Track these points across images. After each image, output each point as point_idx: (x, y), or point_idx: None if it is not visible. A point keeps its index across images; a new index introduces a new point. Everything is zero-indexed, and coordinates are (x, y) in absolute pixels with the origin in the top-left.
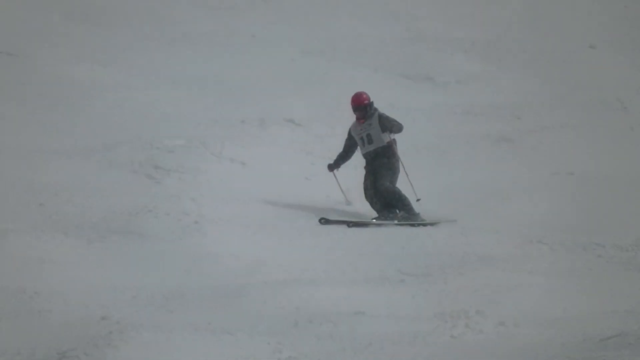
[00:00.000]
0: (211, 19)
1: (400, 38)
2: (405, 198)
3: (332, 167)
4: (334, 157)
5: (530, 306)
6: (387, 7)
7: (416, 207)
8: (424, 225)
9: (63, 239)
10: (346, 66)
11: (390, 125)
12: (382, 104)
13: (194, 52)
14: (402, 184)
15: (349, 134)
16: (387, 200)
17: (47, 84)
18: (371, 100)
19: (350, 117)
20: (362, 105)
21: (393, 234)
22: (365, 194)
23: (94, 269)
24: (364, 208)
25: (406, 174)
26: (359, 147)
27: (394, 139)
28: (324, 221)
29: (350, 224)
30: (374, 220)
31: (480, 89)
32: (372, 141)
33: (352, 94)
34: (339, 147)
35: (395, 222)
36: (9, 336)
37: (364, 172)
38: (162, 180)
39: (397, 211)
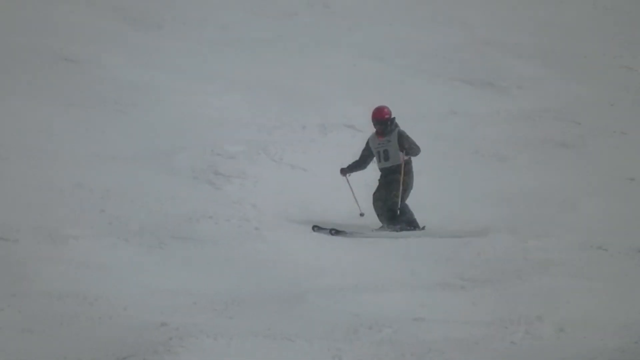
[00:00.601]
0: (271, 25)
1: (460, 43)
2: (412, 214)
3: (344, 172)
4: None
5: (590, 312)
6: (447, 12)
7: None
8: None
9: (124, 244)
10: (406, 72)
11: (407, 146)
12: (442, 110)
13: (254, 58)
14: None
15: (367, 144)
16: (394, 215)
17: (108, 90)
18: (393, 116)
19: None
20: (383, 120)
21: (451, 240)
22: (375, 204)
23: (154, 275)
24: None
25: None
26: (375, 159)
27: (408, 158)
28: (317, 229)
29: (333, 232)
30: (373, 231)
31: (541, 94)
32: (389, 158)
33: (374, 107)
34: None
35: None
36: (70, 342)
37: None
38: (223, 186)
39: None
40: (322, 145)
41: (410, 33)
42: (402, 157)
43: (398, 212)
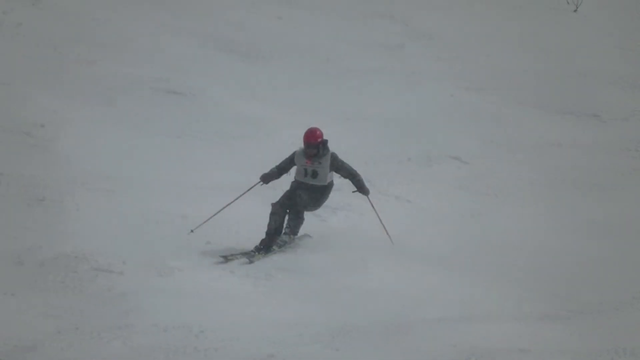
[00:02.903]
0: (373, 56)
1: (563, 74)
2: (301, 221)
3: (266, 179)
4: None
5: None
6: (548, 42)
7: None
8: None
9: (229, 276)
10: (505, 102)
11: (346, 173)
12: (543, 141)
13: (359, 90)
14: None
15: (292, 158)
16: (291, 214)
17: (212, 121)
18: (325, 139)
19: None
20: (315, 144)
21: (554, 270)
22: (279, 205)
23: (260, 306)
24: None
25: (377, 214)
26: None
27: (331, 181)
28: (224, 259)
29: (227, 258)
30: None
31: None
32: (317, 177)
33: (307, 129)
34: (501, 184)
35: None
36: None
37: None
38: (328, 218)
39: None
40: (427, 177)
41: (510, 64)
42: (332, 177)
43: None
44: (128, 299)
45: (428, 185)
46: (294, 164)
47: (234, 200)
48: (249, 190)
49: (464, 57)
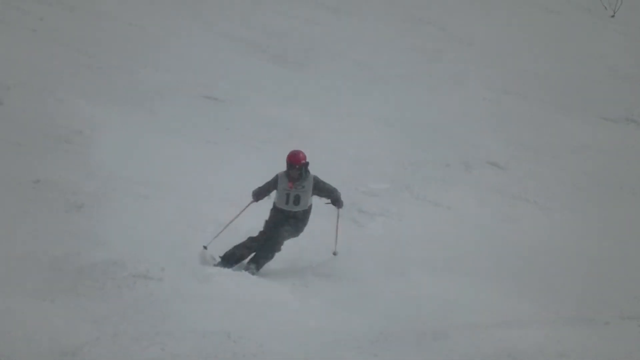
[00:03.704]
0: (410, 61)
1: (600, 79)
2: (274, 254)
3: (257, 197)
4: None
5: None
6: (586, 47)
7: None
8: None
9: (267, 282)
10: (547, 107)
11: (331, 196)
12: (580, 145)
13: (396, 95)
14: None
15: (276, 180)
16: (265, 247)
17: (249, 126)
18: (307, 161)
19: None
20: (298, 165)
21: (592, 274)
22: (255, 239)
23: (298, 312)
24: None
25: (336, 231)
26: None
27: (311, 204)
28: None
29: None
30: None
31: None
32: (299, 203)
33: (290, 152)
34: (539, 189)
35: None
36: None
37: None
38: (366, 224)
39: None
40: (465, 183)
41: (548, 68)
42: (312, 201)
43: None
44: (166, 305)
45: (467, 191)
46: (276, 188)
47: (236, 217)
48: (245, 208)
49: (503, 62)
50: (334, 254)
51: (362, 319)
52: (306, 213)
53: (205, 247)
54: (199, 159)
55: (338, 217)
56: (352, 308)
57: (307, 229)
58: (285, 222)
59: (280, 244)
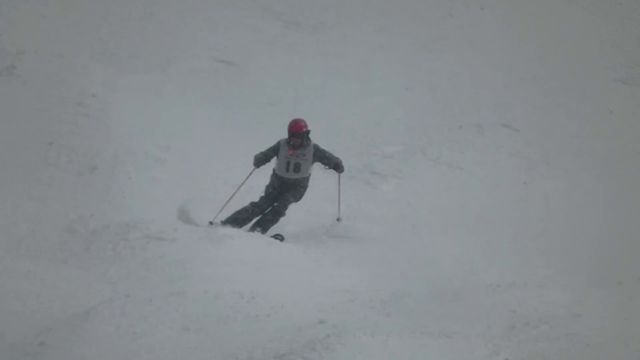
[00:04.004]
0: (426, 26)
1: (620, 38)
2: (279, 217)
3: (258, 164)
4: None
5: None
6: (604, 7)
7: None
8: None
9: (279, 244)
10: (562, 71)
11: (330, 162)
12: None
13: (410, 59)
14: (333, 210)
15: (277, 146)
16: (271, 212)
17: (265, 91)
18: (308, 129)
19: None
20: (301, 133)
21: (606, 238)
22: (256, 207)
23: (311, 273)
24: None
25: (338, 197)
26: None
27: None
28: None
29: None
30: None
31: None
32: (299, 171)
33: (292, 120)
34: (554, 150)
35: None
36: (227, 340)
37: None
38: (379, 185)
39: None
40: (478, 145)
41: (567, 33)
42: (311, 169)
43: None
44: (179, 266)
45: (480, 153)
46: (277, 154)
47: (239, 187)
48: (248, 177)
49: (519, 25)
50: (338, 220)
51: (376, 279)
52: (305, 180)
53: (211, 223)
54: (212, 121)
55: (339, 183)
56: (366, 268)
57: (312, 194)
58: (286, 190)
59: (285, 208)
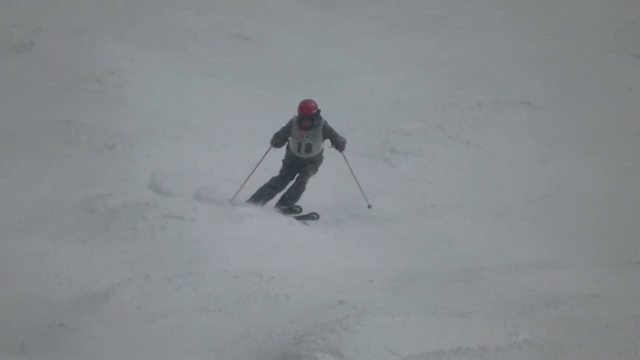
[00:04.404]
0: (444, 2)
1: (636, 18)
2: (301, 192)
3: (275, 144)
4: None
5: None
6: None
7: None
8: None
9: (299, 223)
10: (581, 47)
11: (334, 141)
12: (616, 85)
13: (428, 35)
14: (353, 190)
15: (290, 126)
16: (293, 187)
17: (283, 68)
18: (318, 109)
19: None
20: (310, 115)
21: (623, 218)
22: (276, 182)
23: (330, 253)
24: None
25: (356, 181)
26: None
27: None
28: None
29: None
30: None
31: None
32: (311, 150)
33: (301, 102)
34: (574, 128)
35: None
36: (246, 320)
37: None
38: (399, 164)
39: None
40: (497, 122)
41: (585, 8)
42: (323, 145)
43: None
44: (199, 245)
45: (498, 130)
46: (290, 133)
47: (257, 165)
48: (264, 156)
49: (539, 2)
50: (369, 207)
51: (395, 259)
52: (319, 156)
53: (231, 202)
54: (230, 99)
55: (349, 165)
56: (385, 248)
57: (328, 173)
58: (302, 167)
59: (305, 182)
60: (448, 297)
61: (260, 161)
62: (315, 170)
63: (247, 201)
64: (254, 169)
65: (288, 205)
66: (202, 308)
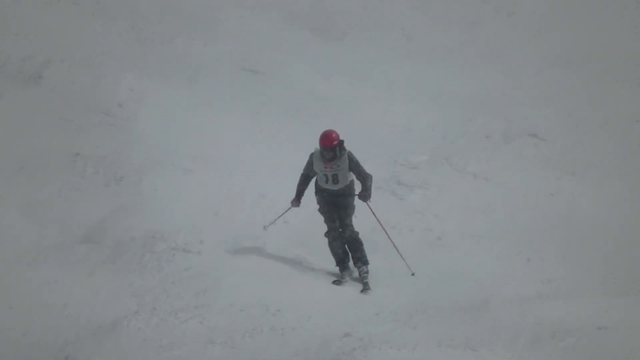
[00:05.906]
0: (454, 33)
1: None
2: (362, 243)
3: (297, 203)
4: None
5: None
6: (635, 16)
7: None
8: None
9: (305, 256)
10: (592, 77)
11: (358, 175)
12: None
13: (437, 67)
14: (394, 259)
15: (311, 162)
16: (350, 245)
17: (291, 100)
18: (341, 139)
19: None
20: (332, 147)
21: (633, 248)
22: (332, 233)
23: (336, 286)
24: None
25: (396, 248)
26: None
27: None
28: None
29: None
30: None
31: None
32: (338, 182)
33: (322, 133)
34: (583, 160)
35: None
36: (253, 353)
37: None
38: (406, 196)
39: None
40: (505, 154)
41: (596, 38)
42: (352, 176)
43: (359, 241)
44: (205, 278)
45: (506, 162)
46: (313, 169)
47: (285, 212)
48: (284, 213)
49: (546, 32)
50: (413, 274)
51: (402, 292)
52: (349, 188)
53: (265, 228)
54: (239, 131)
55: (377, 218)
56: (391, 281)
57: None
58: (336, 204)
59: (353, 230)
60: (454, 329)
61: (284, 213)
62: (351, 208)
63: (339, 281)
64: (288, 209)
65: (362, 263)
66: (209, 341)
